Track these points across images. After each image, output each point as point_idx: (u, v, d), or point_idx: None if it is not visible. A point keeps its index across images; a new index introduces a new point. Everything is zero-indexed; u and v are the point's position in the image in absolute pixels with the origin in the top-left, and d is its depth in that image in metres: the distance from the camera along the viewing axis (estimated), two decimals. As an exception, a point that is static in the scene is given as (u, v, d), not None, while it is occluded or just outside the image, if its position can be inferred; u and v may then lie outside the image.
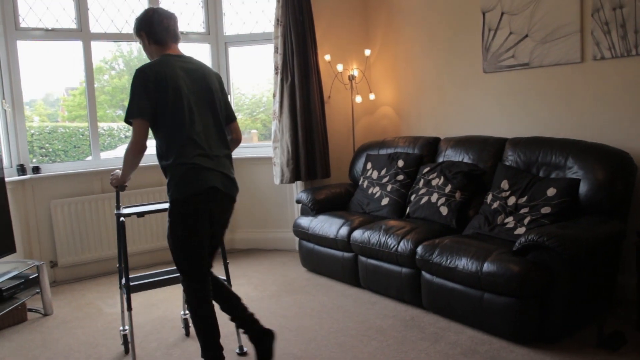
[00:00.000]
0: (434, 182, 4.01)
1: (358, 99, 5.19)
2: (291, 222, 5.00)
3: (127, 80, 4.55)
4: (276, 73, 4.86)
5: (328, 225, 4.21)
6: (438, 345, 3.04)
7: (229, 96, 5.25)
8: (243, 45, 5.32)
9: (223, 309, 2.80)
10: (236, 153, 5.22)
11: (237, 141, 2.96)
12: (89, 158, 4.84)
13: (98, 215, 4.65)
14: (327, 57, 5.06)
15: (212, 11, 5.20)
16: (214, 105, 2.71)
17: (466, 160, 4.08)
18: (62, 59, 4.84)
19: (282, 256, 5.07)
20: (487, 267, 3.01)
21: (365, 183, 4.56)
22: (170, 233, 2.60)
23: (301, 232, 4.48)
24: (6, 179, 3.96)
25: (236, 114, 5.45)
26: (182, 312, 3.43)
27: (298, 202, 4.76)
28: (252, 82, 5.66)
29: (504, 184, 3.58)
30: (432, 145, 4.44)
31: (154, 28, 2.67)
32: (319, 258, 4.35)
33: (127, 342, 3.15)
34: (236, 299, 2.82)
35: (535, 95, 4.04)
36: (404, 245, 3.57)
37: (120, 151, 5.05)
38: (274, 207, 5.31)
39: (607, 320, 3.12)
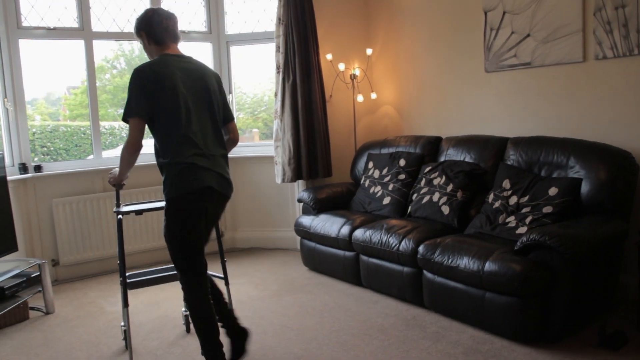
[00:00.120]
0: (435, 182, 4.01)
1: (360, 98, 5.19)
2: (293, 221, 5.00)
3: (128, 80, 4.58)
4: (278, 72, 4.86)
5: (329, 224, 4.21)
6: (439, 344, 3.04)
7: (230, 95, 5.26)
8: (245, 44, 5.32)
9: None
10: (238, 152, 5.28)
11: (234, 141, 2.97)
12: (91, 157, 4.84)
13: (100, 213, 4.66)
14: (329, 56, 5.06)
15: (214, 10, 5.20)
16: (211, 105, 2.73)
17: (468, 159, 4.08)
18: (63, 58, 4.84)
19: (284, 255, 5.08)
20: (488, 266, 3.01)
21: (367, 182, 4.56)
22: (167, 231, 2.63)
23: (303, 231, 4.48)
24: (8, 178, 3.97)
25: (237, 112, 5.52)
26: (182, 309, 3.44)
27: (299, 201, 4.76)
28: (254, 81, 5.66)
29: (506, 184, 3.57)
30: (433, 145, 4.44)
31: (154, 28, 2.69)
32: (320, 257, 4.35)
33: (128, 337, 3.17)
34: (219, 293, 2.89)
35: (537, 95, 4.03)
36: (405, 245, 3.57)
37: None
38: (275, 206, 5.31)
39: (609, 320, 3.12)
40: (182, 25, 5.02)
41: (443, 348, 2.99)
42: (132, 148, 2.61)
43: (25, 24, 4.41)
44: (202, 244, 2.69)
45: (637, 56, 3.43)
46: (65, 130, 5.05)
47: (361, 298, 3.82)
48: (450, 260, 3.23)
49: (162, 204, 2.93)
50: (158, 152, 2.66)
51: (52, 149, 4.95)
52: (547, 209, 3.25)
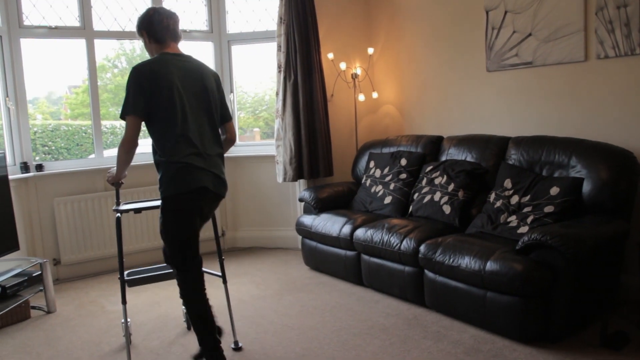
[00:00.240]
0: (436, 181, 4.00)
1: (361, 97, 5.19)
2: (294, 221, 5.00)
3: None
4: (279, 71, 4.86)
5: (331, 224, 4.21)
6: (441, 344, 3.03)
7: (231, 94, 5.27)
8: (246, 43, 5.32)
9: None
10: (239, 151, 5.28)
11: (231, 141, 2.99)
12: (92, 156, 4.85)
13: (101, 213, 4.66)
14: (330, 56, 5.06)
15: (215, 9, 5.20)
16: (209, 104, 2.75)
17: (469, 159, 4.07)
18: (65, 57, 4.85)
19: (285, 254, 5.08)
20: (490, 265, 3.00)
21: (368, 181, 4.56)
22: (163, 228, 2.67)
23: (304, 231, 4.48)
24: (10, 177, 3.97)
25: (239, 112, 5.52)
26: (183, 307, 3.45)
27: (301, 200, 4.76)
28: (255, 80, 5.66)
29: (507, 183, 3.57)
30: (435, 144, 4.44)
31: (154, 27, 2.72)
32: (321, 256, 4.35)
33: (129, 333, 3.20)
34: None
35: (539, 94, 4.03)
36: (406, 244, 3.57)
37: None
38: (276, 206, 5.31)
39: (610, 319, 3.11)
40: (183, 25, 5.02)
41: (444, 348, 2.98)
42: (128, 145, 2.63)
43: (26, 23, 4.41)
44: (197, 241, 2.74)
45: (639, 55, 3.42)
46: (66, 130, 5.05)
47: (362, 297, 3.82)
48: (451, 260, 3.22)
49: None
50: (154, 149, 2.69)
51: (53, 148, 4.96)
52: (549, 209, 3.25)
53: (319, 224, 4.30)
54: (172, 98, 2.60)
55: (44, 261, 3.83)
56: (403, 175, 4.32)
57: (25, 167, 4.38)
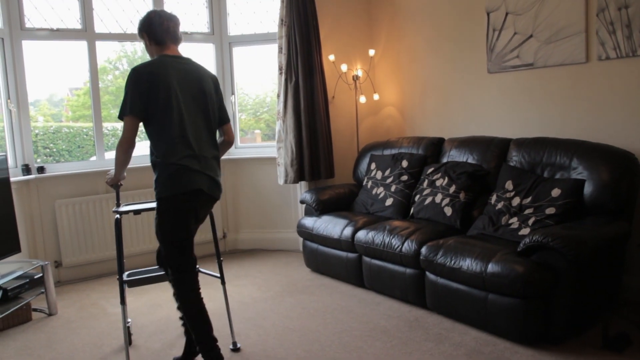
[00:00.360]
0: (438, 183, 4.00)
1: (362, 99, 5.19)
2: (295, 223, 5.00)
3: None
4: (280, 73, 4.86)
5: (332, 226, 4.20)
6: (442, 346, 3.03)
7: (232, 96, 5.27)
8: (247, 45, 5.33)
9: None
10: (240, 153, 5.29)
11: (229, 143, 3.04)
12: (93, 158, 4.85)
13: (102, 215, 4.66)
14: (331, 57, 5.06)
15: (217, 11, 5.21)
16: (206, 106, 2.79)
17: (470, 160, 4.07)
18: (66, 59, 4.85)
19: (286, 256, 5.07)
20: (491, 267, 3.00)
21: (370, 183, 4.55)
22: (159, 229, 2.71)
23: (305, 233, 4.48)
24: (11, 179, 3.97)
25: (240, 113, 5.53)
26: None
27: (302, 202, 4.76)
28: (256, 82, 5.66)
29: (509, 185, 3.57)
30: (436, 146, 4.44)
31: (155, 29, 2.76)
32: (323, 258, 4.35)
33: (130, 333, 3.30)
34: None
35: (540, 96, 4.03)
36: (408, 246, 3.57)
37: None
38: (277, 208, 5.31)
39: (612, 321, 3.11)
40: (184, 26, 5.03)
41: (446, 350, 2.98)
42: (126, 145, 2.69)
43: (28, 25, 4.42)
44: (191, 242, 2.77)
45: (641, 57, 3.42)
46: (67, 132, 5.05)
47: (364, 299, 3.82)
48: (452, 262, 3.22)
49: None
50: (151, 150, 2.73)
51: (54, 150, 4.96)
52: (550, 210, 3.24)
53: (320, 226, 4.30)
54: (170, 100, 2.64)
55: (45, 263, 3.83)
56: (404, 177, 4.32)
57: (26, 169, 4.39)
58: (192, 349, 2.94)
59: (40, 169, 4.47)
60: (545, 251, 2.88)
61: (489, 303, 3.05)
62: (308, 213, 4.65)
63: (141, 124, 2.69)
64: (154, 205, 3.14)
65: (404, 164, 4.38)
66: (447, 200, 3.86)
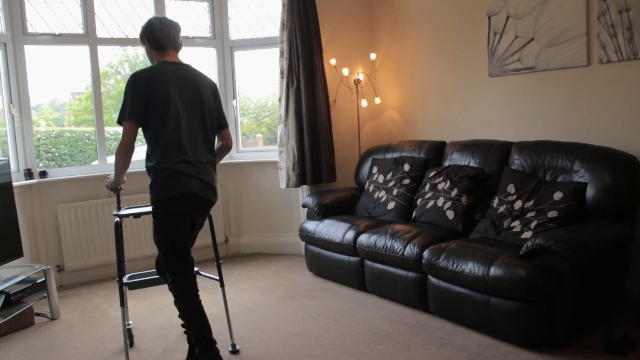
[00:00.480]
0: (440, 186, 4.00)
1: (364, 103, 5.19)
2: (297, 227, 5.00)
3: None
4: (282, 77, 4.87)
5: (334, 230, 4.20)
6: (444, 349, 3.03)
7: (234, 100, 5.28)
8: (249, 49, 5.34)
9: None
10: (241, 157, 5.29)
11: (227, 148, 3.09)
12: (95, 162, 4.86)
13: (104, 219, 4.67)
14: (333, 61, 5.07)
15: (218, 16, 5.22)
16: (202, 112, 2.84)
17: (472, 164, 4.07)
18: (68, 64, 4.87)
19: (288, 260, 5.07)
20: (493, 271, 3.00)
21: (371, 187, 4.56)
22: (155, 232, 2.77)
23: (307, 237, 4.48)
24: (14, 184, 3.97)
25: (241, 118, 5.54)
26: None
27: (304, 206, 4.76)
28: (258, 86, 5.67)
29: (510, 188, 3.57)
30: (438, 149, 4.44)
31: (155, 35, 2.83)
32: (325, 262, 4.35)
33: (132, 335, 3.34)
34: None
35: (542, 99, 4.03)
36: (410, 250, 3.56)
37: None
38: (279, 212, 5.31)
39: (615, 324, 3.10)
40: (186, 31, 5.04)
41: (448, 353, 2.98)
42: (125, 149, 2.76)
43: (30, 30, 4.43)
44: (187, 245, 2.82)
45: (642, 60, 3.42)
46: (69, 136, 5.07)
47: (366, 303, 3.81)
48: (455, 265, 3.22)
49: None
50: (147, 155, 2.78)
51: (57, 154, 4.97)
52: (552, 214, 3.24)
53: (322, 229, 4.30)
54: (166, 105, 2.70)
55: (47, 268, 3.83)
56: (406, 181, 4.32)
57: (29, 174, 4.40)
58: (195, 354, 2.93)
59: (43, 174, 4.48)
60: (548, 254, 2.88)
61: (491, 306, 3.05)
62: (310, 217, 4.65)
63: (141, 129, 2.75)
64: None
65: (406, 167, 4.38)
66: (449, 204, 3.86)
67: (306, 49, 4.78)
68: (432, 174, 4.16)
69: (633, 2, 3.40)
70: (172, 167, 2.69)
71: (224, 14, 5.23)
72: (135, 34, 4.82)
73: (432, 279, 3.43)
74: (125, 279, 3.12)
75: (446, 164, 4.28)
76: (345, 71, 5.10)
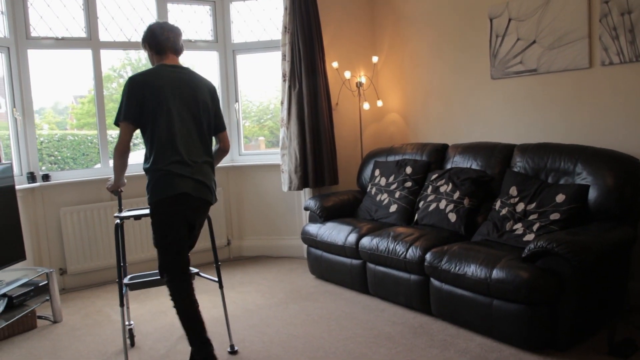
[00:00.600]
0: (442, 189, 4.00)
1: (366, 105, 5.20)
2: (299, 229, 5.00)
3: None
4: (284, 80, 4.88)
5: (336, 232, 4.20)
6: (447, 352, 3.02)
7: (236, 103, 5.29)
8: (251, 52, 5.35)
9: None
10: (244, 160, 5.30)
11: (224, 150, 3.13)
12: (98, 165, 4.87)
13: (107, 222, 4.67)
14: (335, 64, 5.08)
15: (220, 19, 5.23)
16: (198, 114, 2.88)
17: (474, 166, 4.07)
18: (71, 67, 4.88)
19: (290, 263, 5.07)
20: (496, 273, 2.99)
21: (374, 190, 4.56)
22: (153, 233, 2.83)
23: (309, 239, 4.48)
24: (16, 187, 3.98)
25: (244, 121, 5.54)
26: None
27: (306, 209, 4.76)
28: (260, 89, 5.68)
29: (513, 191, 3.56)
30: (440, 152, 4.44)
31: (156, 39, 2.89)
32: (327, 265, 4.35)
33: (133, 335, 3.37)
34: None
35: (544, 101, 4.03)
36: (412, 252, 3.56)
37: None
38: (282, 214, 5.31)
39: (618, 327, 3.09)
40: (188, 34, 5.06)
41: (451, 356, 2.97)
42: (121, 149, 2.81)
43: (34, 34, 4.45)
44: (182, 245, 2.84)
45: (644, 62, 3.42)
46: (72, 139, 5.08)
47: (368, 306, 3.81)
48: (457, 268, 3.21)
49: None
50: (145, 157, 2.83)
51: (59, 157, 4.98)
52: (555, 216, 3.24)
53: (325, 232, 4.30)
54: (160, 107, 2.75)
55: (50, 271, 3.84)
56: (408, 184, 4.32)
57: (31, 177, 4.41)
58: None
59: (45, 177, 4.49)
60: (550, 257, 2.88)
61: (494, 309, 3.04)
62: (312, 220, 4.65)
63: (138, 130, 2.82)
64: None
65: (408, 170, 4.38)
66: (451, 207, 3.86)
67: (308, 51, 4.78)
68: (434, 176, 4.15)
69: (635, 4, 3.40)
70: (165, 168, 2.73)
71: (226, 17, 5.24)
72: (138, 37, 4.84)
73: (435, 282, 3.43)
74: (126, 280, 3.14)
75: (448, 166, 4.28)
76: (347, 74, 5.11)
